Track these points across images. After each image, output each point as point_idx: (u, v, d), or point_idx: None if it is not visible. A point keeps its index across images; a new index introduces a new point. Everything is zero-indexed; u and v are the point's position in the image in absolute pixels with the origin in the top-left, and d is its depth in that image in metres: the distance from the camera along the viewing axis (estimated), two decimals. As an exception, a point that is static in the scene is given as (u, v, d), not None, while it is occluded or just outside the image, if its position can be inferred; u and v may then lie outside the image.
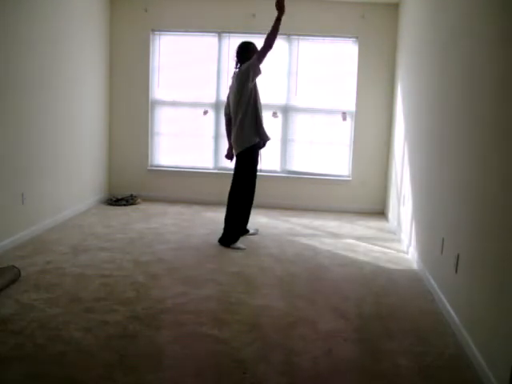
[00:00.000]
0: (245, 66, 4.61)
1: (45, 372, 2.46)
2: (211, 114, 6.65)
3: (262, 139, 4.73)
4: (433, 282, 3.75)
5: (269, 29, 4.47)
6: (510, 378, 2.21)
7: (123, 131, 6.70)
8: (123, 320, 3.05)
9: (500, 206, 2.52)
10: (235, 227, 4.76)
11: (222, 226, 4.86)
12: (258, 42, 4.75)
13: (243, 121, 4.62)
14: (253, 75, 4.56)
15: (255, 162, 4.76)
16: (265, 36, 4.49)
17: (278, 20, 4.50)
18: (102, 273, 3.86)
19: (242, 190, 4.74)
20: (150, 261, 4.21)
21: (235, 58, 4.77)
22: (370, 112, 6.49)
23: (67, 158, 5.47)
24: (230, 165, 5.33)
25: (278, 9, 4.48)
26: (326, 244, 5.01)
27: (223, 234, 4.78)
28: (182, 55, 6.63)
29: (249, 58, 4.63)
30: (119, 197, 6.46)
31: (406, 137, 5.34)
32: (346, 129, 6.61)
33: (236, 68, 4.74)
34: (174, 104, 6.73)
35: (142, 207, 6.29)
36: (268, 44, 4.51)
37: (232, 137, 4.78)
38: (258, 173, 4.86)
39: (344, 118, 6.55)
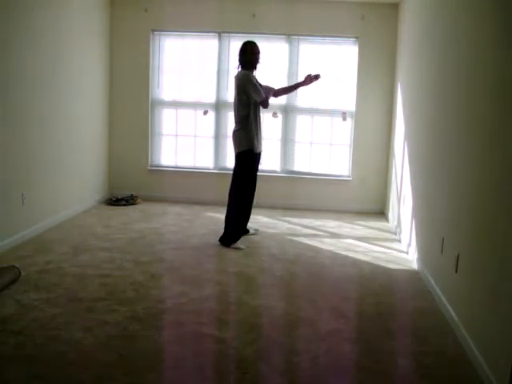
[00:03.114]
0: (242, 77, 4.58)
1: (45, 372, 2.46)
2: (211, 113, 6.64)
3: (252, 148, 4.65)
4: (433, 281, 3.75)
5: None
6: (510, 378, 2.21)
7: (123, 131, 6.70)
8: (123, 320, 3.05)
9: (500, 206, 2.52)
10: (235, 227, 4.76)
11: (222, 226, 4.85)
12: (258, 42, 4.75)
13: (241, 125, 4.62)
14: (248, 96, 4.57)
15: (253, 163, 4.75)
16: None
17: (297, 88, 4.70)
18: (102, 273, 3.86)
19: (241, 189, 4.72)
20: (150, 261, 4.21)
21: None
22: (370, 112, 6.49)
23: (67, 157, 5.47)
24: (230, 165, 5.31)
25: (307, 80, 4.63)
26: (326, 244, 5.01)
27: (224, 234, 4.78)
28: (182, 55, 6.64)
29: (241, 58, 4.62)
30: (119, 197, 6.46)
31: (405, 137, 5.33)
32: (346, 129, 6.60)
33: (238, 68, 4.73)
34: (174, 104, 6.73)
35: (142, 207, 6.29)
36: (264, 104, 4.58)
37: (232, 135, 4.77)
38: (258, 173, 4.86)
39: (344, 118, 6.55)
